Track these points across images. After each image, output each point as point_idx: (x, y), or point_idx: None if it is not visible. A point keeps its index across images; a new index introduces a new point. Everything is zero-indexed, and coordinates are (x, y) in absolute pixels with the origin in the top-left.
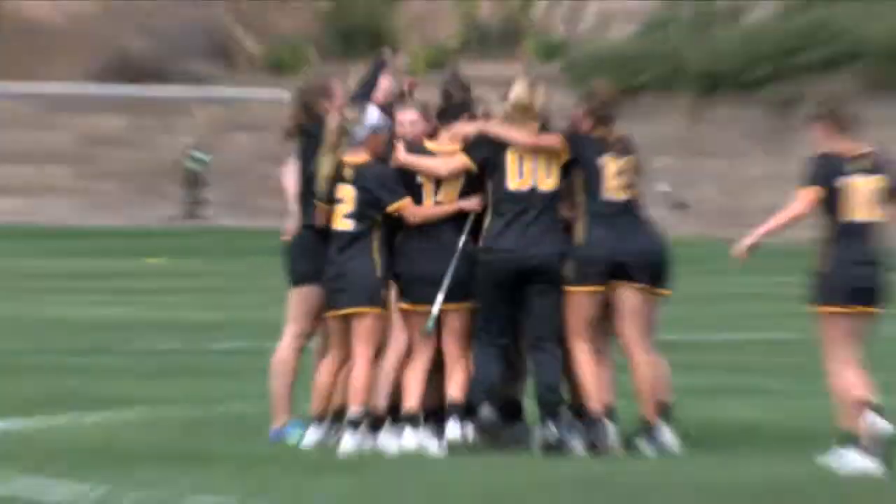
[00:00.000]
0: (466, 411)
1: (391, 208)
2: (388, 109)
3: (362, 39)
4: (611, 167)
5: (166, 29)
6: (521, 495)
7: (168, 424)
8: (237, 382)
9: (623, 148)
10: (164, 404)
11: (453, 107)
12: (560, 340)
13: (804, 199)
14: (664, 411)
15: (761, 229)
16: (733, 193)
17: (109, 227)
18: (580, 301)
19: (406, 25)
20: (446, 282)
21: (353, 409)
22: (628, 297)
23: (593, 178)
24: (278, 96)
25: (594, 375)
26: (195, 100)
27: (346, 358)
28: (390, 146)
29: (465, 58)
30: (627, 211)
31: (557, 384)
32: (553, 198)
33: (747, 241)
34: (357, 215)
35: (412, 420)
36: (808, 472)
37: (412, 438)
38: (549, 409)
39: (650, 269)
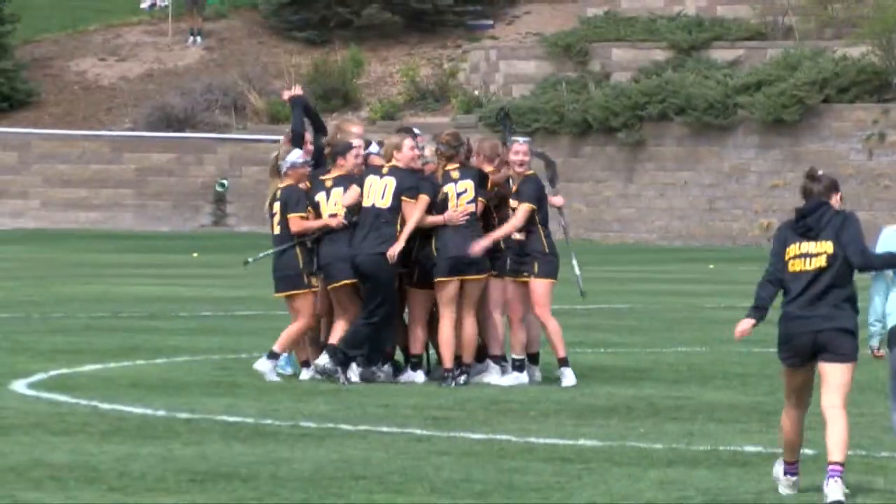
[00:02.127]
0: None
1: (290, 216)
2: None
3: (336, 97)
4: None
5: (194, 88)
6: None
7: (205, 366)
8: (256, 337)
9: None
10: (202, 353)
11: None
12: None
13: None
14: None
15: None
16: (597, 207)
17: (162, 232)
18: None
19: (366, 86)
20: (271, 251)
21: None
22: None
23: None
24: (276, 138)
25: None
26: (218, 141)
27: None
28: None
29: (409, 111)
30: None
31: (349, 340)
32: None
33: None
34: (280, 223)
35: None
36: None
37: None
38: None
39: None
